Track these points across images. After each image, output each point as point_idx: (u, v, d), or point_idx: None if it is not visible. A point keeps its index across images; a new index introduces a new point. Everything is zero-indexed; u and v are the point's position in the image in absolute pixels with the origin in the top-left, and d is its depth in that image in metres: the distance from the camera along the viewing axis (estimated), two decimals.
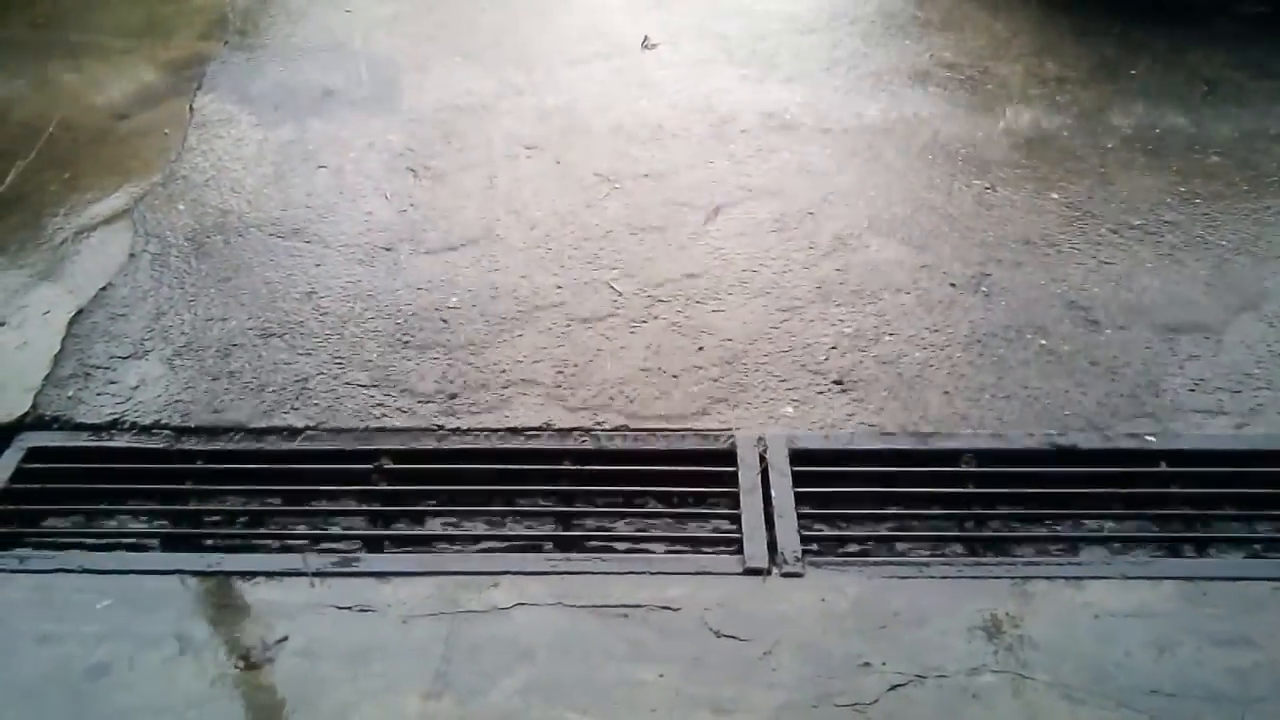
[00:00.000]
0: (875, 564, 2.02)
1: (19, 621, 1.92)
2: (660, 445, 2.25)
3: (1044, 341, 2.47)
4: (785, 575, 1.99)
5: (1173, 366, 2.40)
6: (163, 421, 2.31)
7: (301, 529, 2.14)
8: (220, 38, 3.75)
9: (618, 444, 2.25)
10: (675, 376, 2.40)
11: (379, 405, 2.34)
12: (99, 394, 2.38)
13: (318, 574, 2.00)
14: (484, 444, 2.26)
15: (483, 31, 3.77)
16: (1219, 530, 2.09)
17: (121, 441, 2.28)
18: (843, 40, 3.67)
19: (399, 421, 2.31)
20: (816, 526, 2.10)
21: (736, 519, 2.10)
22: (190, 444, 2.27)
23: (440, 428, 2.30)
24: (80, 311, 2.59)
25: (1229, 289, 2.60)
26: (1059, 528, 2.12)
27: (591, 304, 2.60)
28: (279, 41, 3.72)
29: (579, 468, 2.22)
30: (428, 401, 2.35)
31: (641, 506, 2.17)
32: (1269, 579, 1.96)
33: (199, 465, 2.24)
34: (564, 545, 2.10)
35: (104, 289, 2.66)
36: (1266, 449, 2.20)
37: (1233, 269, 2.67)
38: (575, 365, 2.43)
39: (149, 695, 1.80)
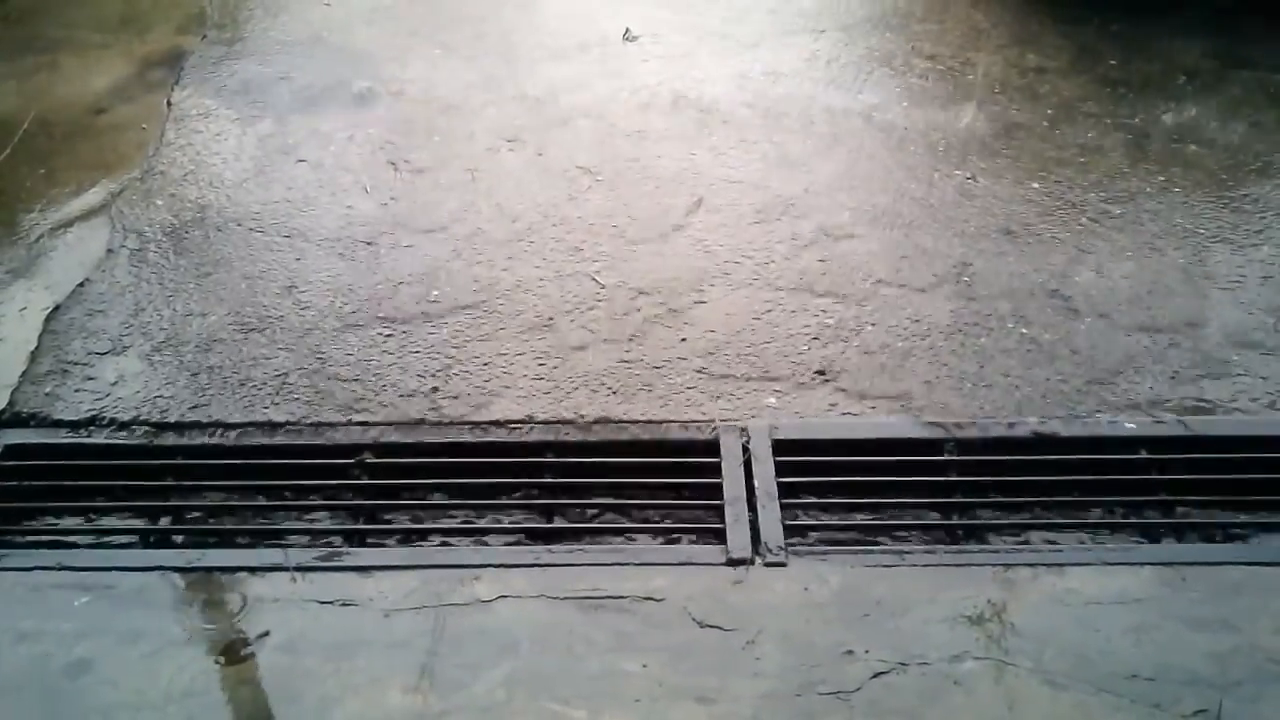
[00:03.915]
0: (858, 553, 2.02)
1: None
2: (643, 437, 2.25)
3: (1025, 330, 2.48)
4: (768, 565, 1.99)
5: (1152, 354, 2.41)
6: (142, 417, 2.30)
7: (283, 524, 2.12)
8: (198, 32, 3.72)
9: (600, 436, 2.25)
10: (658, 368, 2.40)
11: (361, 399, 2.33)
12: (77, 390, 2.36)
13: (299, 569, 1.99)
14: (467, 437, 2.25)
15: (463, 24, 3.75)
16: (1198, 516, 2.11)
17: (100, 438, 2.26)
18: (825, 32, 3.67)
19: (381, 415, 2.30)
20: (799, 516, 2.11)
21: (719, 509, 2.10)
22: (170, 440, 2.26)
23: (423, 421, 2.29)
24: (57, 308, 2.57)
25: (1208, 277, 2.62)
26: (1040, 515, 2.12)
27: (574, 296, 2.60)
28: (258, 35, 3.69)
29: (562, 460, 2.21)
30: (410, 395, 2.34)
31: (624, 498, 2.17)
32: (1247, 563, 1.98)
33: (179, 461, 2.23)
34: (547, 537, 2.09)
35: (81, 285, 2.64)
36: (1245, 435, 2.22)
37: (1211, 257, 2.68)
38: (558, 358, 2.43)
39: (129, 692, 1.79)
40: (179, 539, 2.11)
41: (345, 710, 1.76)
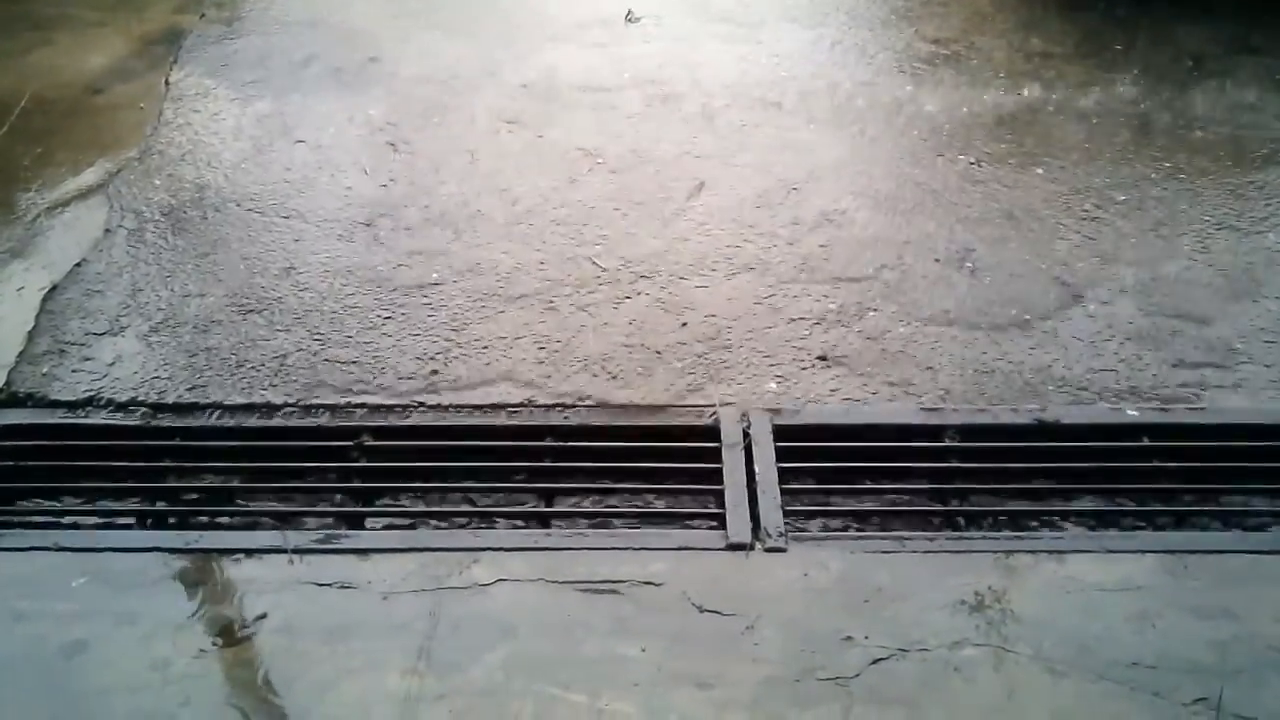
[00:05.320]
0: (858, 539, 2.02)
1: None
2: (643, 421, 2.24)
3: (1028, 316, 2.47)
4: (768, 550, 1.98)
5: (1156, 341, 2.40)
6: (139, 398, 2.29)
7: (281, 506, 2.11)
8: (196, 10, 3.69)
9: (600, 420, 2.24)
10: (658, 353, 2.39)
11: (359, 382, 2.32)
12: (74, 371, 2.35)
13: (297, 551, 1.98)
14: (466, 420, 2.24)
15: (463, 5, 3.72)
16: (1200, 504, 2.10)
17: (98, 419, 2.25)
18: (828, 15, 3.64)
19: (379, 398, 2.28)
20: (800, 502, 2.10)
21: (719, 495, 2.09)
22: (167, 421, 2.24)
23: (421, 404, 2.27)
24: (55, 287, 2.56)
25: (1212, 264, 2.60)
26: (1042, 502, 2.12)
27: (574, 280, 2.58)
28: (256, 14, 3.66)
29: (561, 444, 2.20)
30: (409, 378, 2.33)
31: (624, 482, 2.15)
32: (1250, 552, 1.97)
33: (176, 442, 2.21)
34: (546, 521, 2.08)
35: (79, 265, 2.62)
36: (1249, 423, 2.21)
37: (1216, 244, 2.66)
38: (558, 341, 2.42)
39: (126, 673, 1.78)
40: (176, 520, 2.10)
41: (341, 693, 1.75)
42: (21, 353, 2.39)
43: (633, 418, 2.24)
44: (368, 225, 2.75)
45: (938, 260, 2.63)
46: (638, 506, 2.12)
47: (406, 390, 2.30)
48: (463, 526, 2.07)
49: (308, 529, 2.05)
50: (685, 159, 2.98)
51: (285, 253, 2.67)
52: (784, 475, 2.11)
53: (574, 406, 2.26)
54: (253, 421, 2.24)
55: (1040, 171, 2.92)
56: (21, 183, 2.91)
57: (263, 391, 2.30)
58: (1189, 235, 2.69)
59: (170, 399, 2.28)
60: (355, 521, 2.09)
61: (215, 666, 1.79)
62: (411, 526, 2.08)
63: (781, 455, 2.15)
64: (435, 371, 2.34)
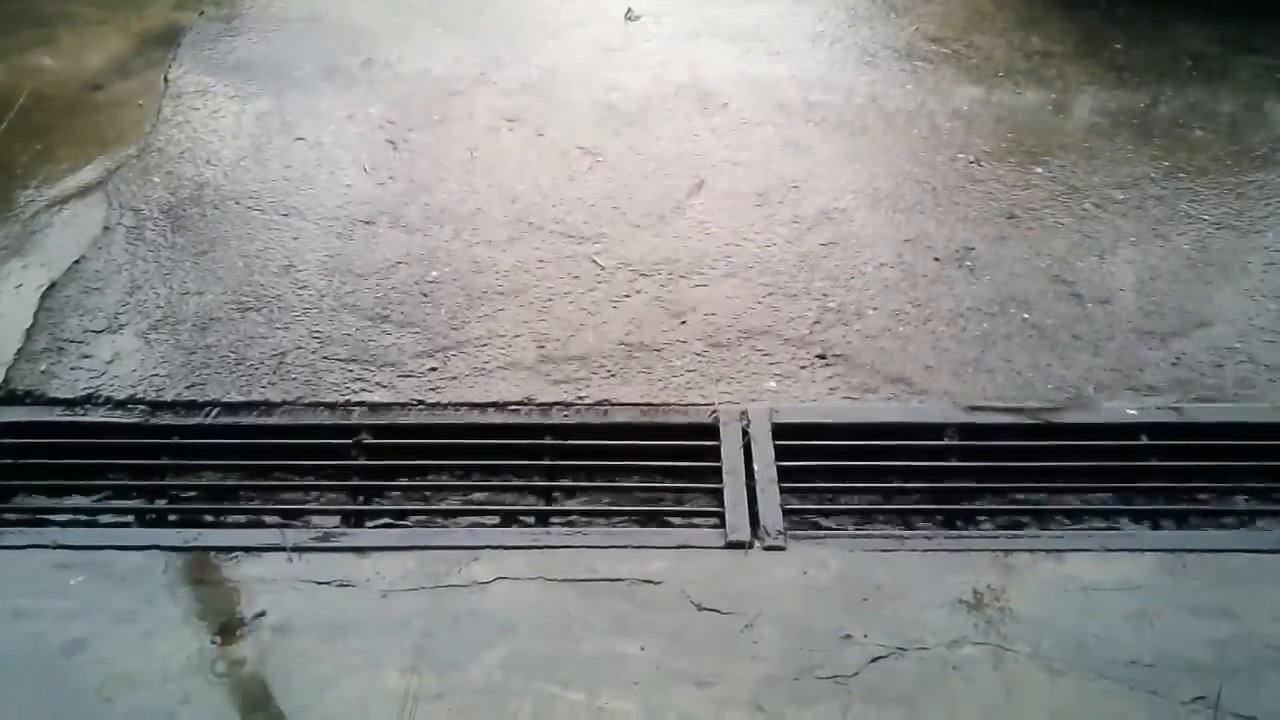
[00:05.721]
0: (857, 537, 2.02)
1: None
2: (642, 419, 2.24)
3: (1027, 315, 2.47)
4: (767, 549, 1.98)
5: (1155, 340, 2.40)
6: (138, 396, 2.28)
7: (280, 504, 2.11)
8: (195, 8, 3.68)
9: (599, 418, 2.24)
10: (658, 351, 2.39)
11: (358, 380, 2.32)
12: (72, 368, 2.34)
13: (296, 549, 1.98)
14: (465, 418, 2.24)
15: (464, 2, 3.71)
16: (1199, 503, 2.10)
17: (96, 416, 2.25)
18: (828, 13, 3.64)
19: (379, 396, 2.28)
20: (799, 500, 2.10)
21: (718, 493, 2.09)
22: (166, 419, 2.24)
23: (421, 402, 2.27)
24: (53, 285, 2.55)
25: (1212, 263, 2.60)
26: (1041, 501, 2.12)
27: (574, 278, 2.58)
28: (255, 12, 3.66)
29: (560, 442, 2.20)
30: (408, 376, 2.33)
31: (623, 481, 2.15)
32: (1248, 551, 1.97)
33: (175, 440, 2.21)
34: (545, 519, 2.08)
35: (77, 262, 2.62)
36: (1247, 422, 2.21)
37: (1216, 243, 2.66)
38: (557, 339, 2.41)
39: (125, 670, 1.78)
40: (175, 518, 2.10)
41: (341, 691, 1.75)
42: (20, 350, 2.38)
43: (632, 416, 2.24)
44: (367, 223, 2.75)
45: (937, 259, 2.63)
46: (637, 505, 2.12)
47: (406, 388, 2.30)
48: (462, 525, 2.07)
49: (307, 527, 2.05)
50: (685, 157, 2.98)
51: (284, 250, 2.66)
52: (783, 474, 2.11)
53: (573, 405, 2.26)
54: (251, 419, 2.24)
55: (1040, 170, 2.92)
56: (20, 180, 2.90)
57: (262, 389, 2.30)
58: (1188, 235, 2.69)
59: (169, 397, 2.28)
60: (354, 519, 2.09)
61: (214, 664, 1.79)
62: (410, 525, 2.08)
63: (780, 454, 2.15)
64: (434, 369, 2.34)
